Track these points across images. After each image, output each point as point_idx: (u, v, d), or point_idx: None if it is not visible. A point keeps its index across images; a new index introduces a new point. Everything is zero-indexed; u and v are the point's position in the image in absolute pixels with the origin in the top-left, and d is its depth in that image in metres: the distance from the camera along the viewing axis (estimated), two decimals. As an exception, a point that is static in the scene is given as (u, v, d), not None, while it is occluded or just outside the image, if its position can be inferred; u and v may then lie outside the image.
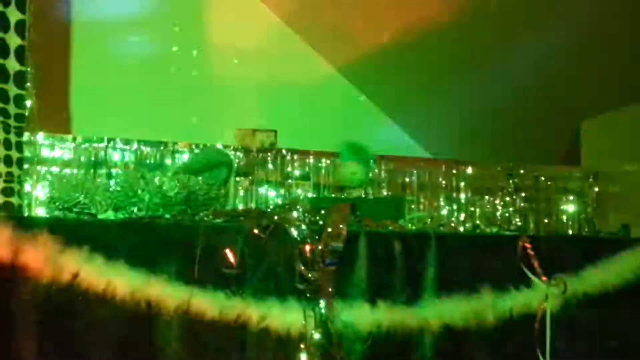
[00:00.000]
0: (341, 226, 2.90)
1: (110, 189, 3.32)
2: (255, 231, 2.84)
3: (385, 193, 5.57)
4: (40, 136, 4.87)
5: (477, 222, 5.61)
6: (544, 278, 3.11)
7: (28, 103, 3.98)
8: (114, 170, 4.96)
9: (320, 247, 2.83)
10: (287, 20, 7.47)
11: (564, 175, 5.86)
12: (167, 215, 3.13)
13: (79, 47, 6.55)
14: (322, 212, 2.98)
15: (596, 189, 5.83)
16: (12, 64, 3.76)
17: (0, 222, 2.60)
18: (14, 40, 3.76)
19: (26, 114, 3.92)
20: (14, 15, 3.76)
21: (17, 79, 3.78)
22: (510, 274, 3.12)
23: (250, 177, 5.37)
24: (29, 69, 3.97)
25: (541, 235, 4.97)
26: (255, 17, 7.31)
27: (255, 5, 7.34)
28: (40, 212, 4.40)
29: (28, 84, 3.97)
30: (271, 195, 5.39)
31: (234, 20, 7.14)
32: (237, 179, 5.24)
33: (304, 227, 2.87)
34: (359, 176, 3.89)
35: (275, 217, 2.92)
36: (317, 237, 2.85)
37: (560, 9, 5.14)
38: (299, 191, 5.41)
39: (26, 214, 4.16)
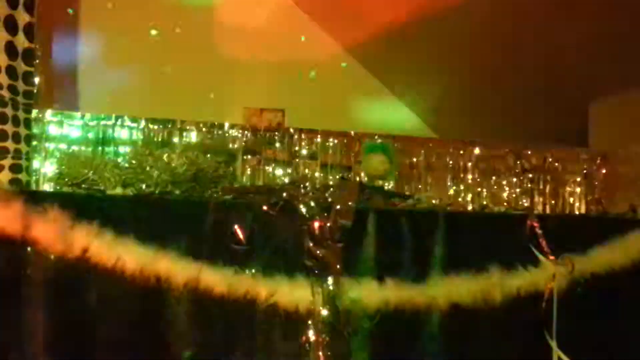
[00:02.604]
0: (350, 203, 2.91)
1: (119, 166, 3.33)
2: (264, 208, 2.85)
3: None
4: (49, 113, 4.87)
5: (484, 202, 5.60)
6: (551, 257, 3.12)
7: (36, 80, 3.98)
8: (121, 148, 4.95)
9: (328, 224, 2.84)
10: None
11: (572, 156, 5.85)
12: (177, 192, 3.15)
13: (88, 25, 6.54)
14: (331, 189, 2.99)
15: (604, 170, 5.82)
16: (21, 41, 3.76)
17: (11, 196, 2.61)
18: (22, 17, 3.76)
19: (34, 90, 3.92)
20: (23, -9, 3.77)
21: (26, 56, 3.79)
22: (518, 253, 3.12)
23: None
24: (37, 46, 3.97)
25: (549, 214, 4.98)
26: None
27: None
28: (49, 188, 4.40)
29: (37, 60, 3.97)
30: (278, 174, 5.39)
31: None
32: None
33: (312, 204, 2.87)
34: (387, 166, 3.95)
35: (284, 194, 2.93)
36: (325, 214, 2.86)
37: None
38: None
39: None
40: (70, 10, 6.34)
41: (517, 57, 6.13)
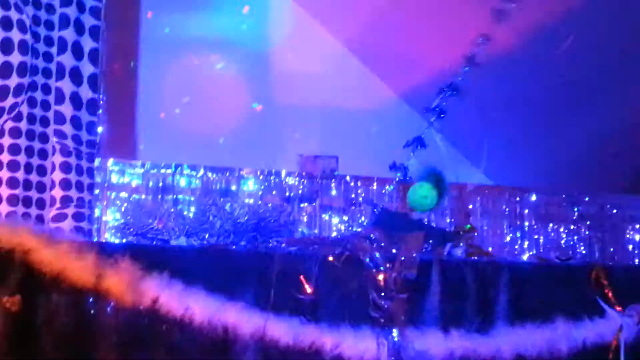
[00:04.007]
0: (414, 254, 2.91)
1: (183, 215, 3.38)
2: (330, 259, 2.87)
3: (448, 220, 5.55)
4: (110, 162, 4.97)
5: (542, 250, 5.57)
6: (618, 308, 3.08)
7: (99, 129, 4.06)
8: (181, 196, 5.03)
9: (393, 275, 2.85)
10: (349, 46, 7.51)
11: (630, 203, 5.79)
12: (242, 242, 3.18)
13: (147, 75, 6.67)
14: (396, 240, 2.99)
15: (664, 218, 5.75)
16: (85, 92, 3.85)
17: (84, 247, 2.66)
18: (87, 68, 3.86)
19: (97, 140, 4.00)
20: (87, 43, 3.86)
21: (90, 106, 3.87)
22: (584, 304, 3.09)
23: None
24: (101, 96, 4.06)
25: (615, 264, 4.92)
26: (317, 43, 7.36)
27: (317, 31, 7.39)
28: (112, 237, 4.48)
29: (100, 111, 4.06)
30: (334, 222, 5.41)
31: (297, 46, 7.20)
32: None
33: (377, 255, 2.88)
34: (429, 201, 3.83)
35: (349, 245, 2.94)
36: (390, 265, 2.87)
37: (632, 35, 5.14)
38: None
39: (96, 239, 4.23)
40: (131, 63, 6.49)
41: (570, 104, 6.11)
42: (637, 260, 5.61)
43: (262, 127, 6.96)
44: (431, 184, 3.79)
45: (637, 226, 5.71)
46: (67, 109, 3.77)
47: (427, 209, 3.91)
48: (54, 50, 3.75)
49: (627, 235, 5.72)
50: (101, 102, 4.09)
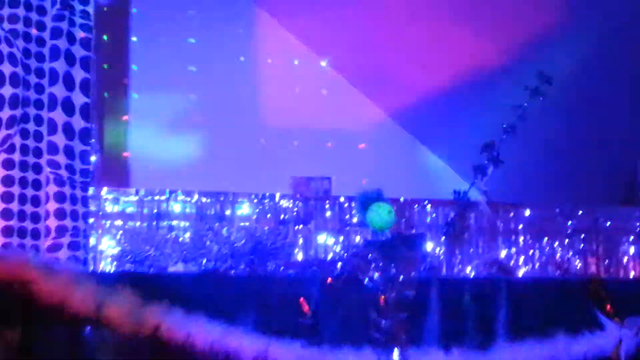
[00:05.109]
0: (412, 274, 2.92)
1: (180, 241, 3.38)
2: (329, 280, 2.87)
3: (443, 238, 5.54)
4: (105, 190, 4.95)
5: (537, 265, 5.56)
6: (617, 321, 3.09)
7: (92, 158, 4.06)
8: (175, 222, 5.00)
9: (393, 295, 2.85)
10: (337, 67, 7.52)
11: (624, 215, 5.78)
12: (241, 267, 3.19)
13: (138, 105, 6.67)
14: (394, 260, 3.00)
15: (656, 229, 5.73)
16: (78, 121, 3.86)
17: (84, 277, 2.66)
18: (78, 98, 3.87)
19: (91, 169, 4.00)
20: (79, 74, 3.88)
21: (83, 136, 3.88)
22: (583, 318, 3.10)
23: None
24: (93, 125, 4.06)
25: (612, 277, 4.93)
26: (305, 65, 7.37)
27: (305, 53, 7.41)
28: (108, 265, 4.45)
29: (92, 140, 4.05)
30: (330, 242, 5.37)
31: (285, 69, 7.22)
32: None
33: (376, 275, 2.89)
34: (393, 215, 3.87)
35: (348, 267, 2.95)
36: (389, 286, 2.87)
37: (618, 50, 5.17)
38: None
39: (92, 268, 4.21)
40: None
41: (563, 118, 6.13)
42: (632, 272, 5.60)
43: (254, 150, 6.96)
44: (387, 204, 3.81)
45: (631, 238, 5.70)
46: (60, 139, 3.78)
47: (389, 226, 3.92)
48: (45, 81, 3.77)
49: (622, 248, 5.71)
50: (93, 131, 4.09)
